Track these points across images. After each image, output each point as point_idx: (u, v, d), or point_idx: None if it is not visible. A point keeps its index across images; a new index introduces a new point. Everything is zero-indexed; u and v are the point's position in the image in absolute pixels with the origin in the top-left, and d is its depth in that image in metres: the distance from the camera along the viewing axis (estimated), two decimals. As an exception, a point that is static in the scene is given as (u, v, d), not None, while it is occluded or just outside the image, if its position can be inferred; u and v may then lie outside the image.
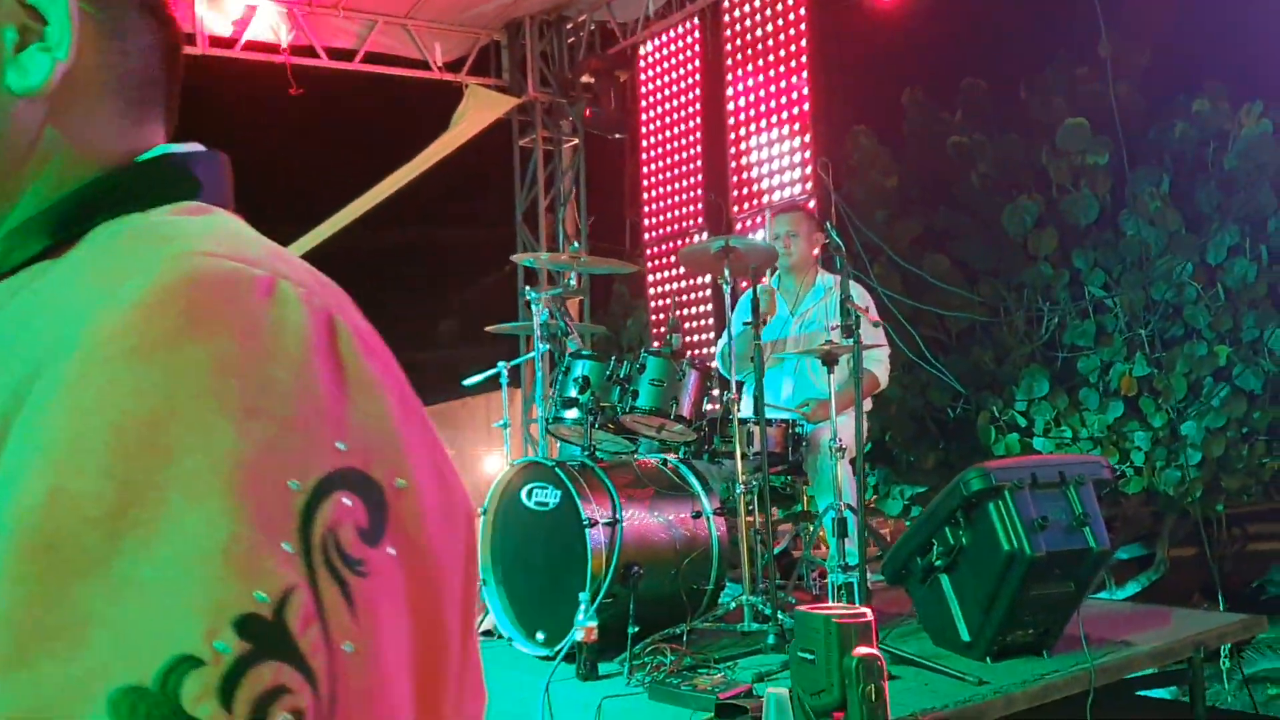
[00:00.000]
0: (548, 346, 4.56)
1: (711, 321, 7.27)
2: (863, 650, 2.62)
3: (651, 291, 7.80)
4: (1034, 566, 3.46)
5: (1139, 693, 5.14)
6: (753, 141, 6.91)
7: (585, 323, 8.85)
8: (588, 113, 7.91)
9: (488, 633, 4.28)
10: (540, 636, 4.00)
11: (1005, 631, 3.62)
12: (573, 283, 4.39)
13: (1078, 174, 6.76)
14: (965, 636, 3.70)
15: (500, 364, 4.98)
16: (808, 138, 6.57)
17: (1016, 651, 3.69)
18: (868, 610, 2.83)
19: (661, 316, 7.62)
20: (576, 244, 4.47)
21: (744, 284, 4.38)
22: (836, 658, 2.63)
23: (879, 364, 4.74)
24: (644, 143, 7.85)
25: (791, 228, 4.86)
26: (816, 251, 4.94)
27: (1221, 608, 7.44)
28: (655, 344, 5.92)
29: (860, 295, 4.57)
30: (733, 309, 4.14)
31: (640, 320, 8.82)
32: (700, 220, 7.42)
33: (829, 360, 4.11)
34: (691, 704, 3.25)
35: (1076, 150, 6.72)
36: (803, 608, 2.89)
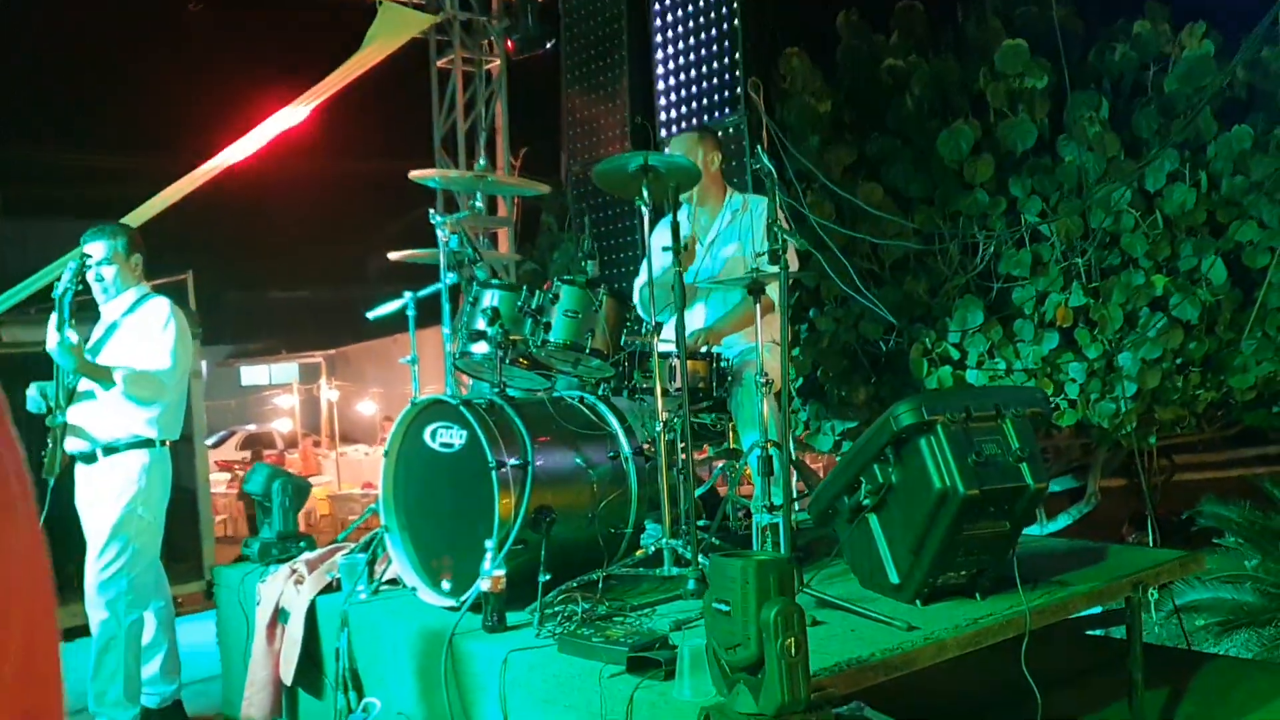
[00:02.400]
0: (456, 277, 4.26)
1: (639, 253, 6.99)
2: (782, 601, 2.39)
3: (578, 222, 7.48)
4: (967, 505, 3.27)
5: (1088, 632, 5.05)
6: (680, 62, 6.58)
7: (510, 254, 8.56)
8: (509, 44, 7.53)
9: (393, 581, 4.02)
10: (446, 586, 3.75)
11: (936, 573, 3.43)
12: (479, 205, 4.08)
13: (1015, 98, 6.54)
14: (894, 579, 3.50)
15: (407, 294, 4.67)
16: (737, 57, 6.26)
17: (948, 594, 3.51)
18: (788, 556, 2.61)
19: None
20: (484, 161, 4.14)
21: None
22: (754, 609, 2.40)
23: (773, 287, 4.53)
24: (565, 63, 7.47)
25: (681, 151, 4.54)
26: (716, 170, 4.66)
27: (1152, 540, 7.41)
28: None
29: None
30: (651, 234, 3.86)
31: (567, 253, 8.51)
32: (626, 145, 7.10)
33: (754, 290, 3.86)
34: (602, 656, 3.02)
35: (1014, 74, 6.49)
36: (719, 554, 2.65)
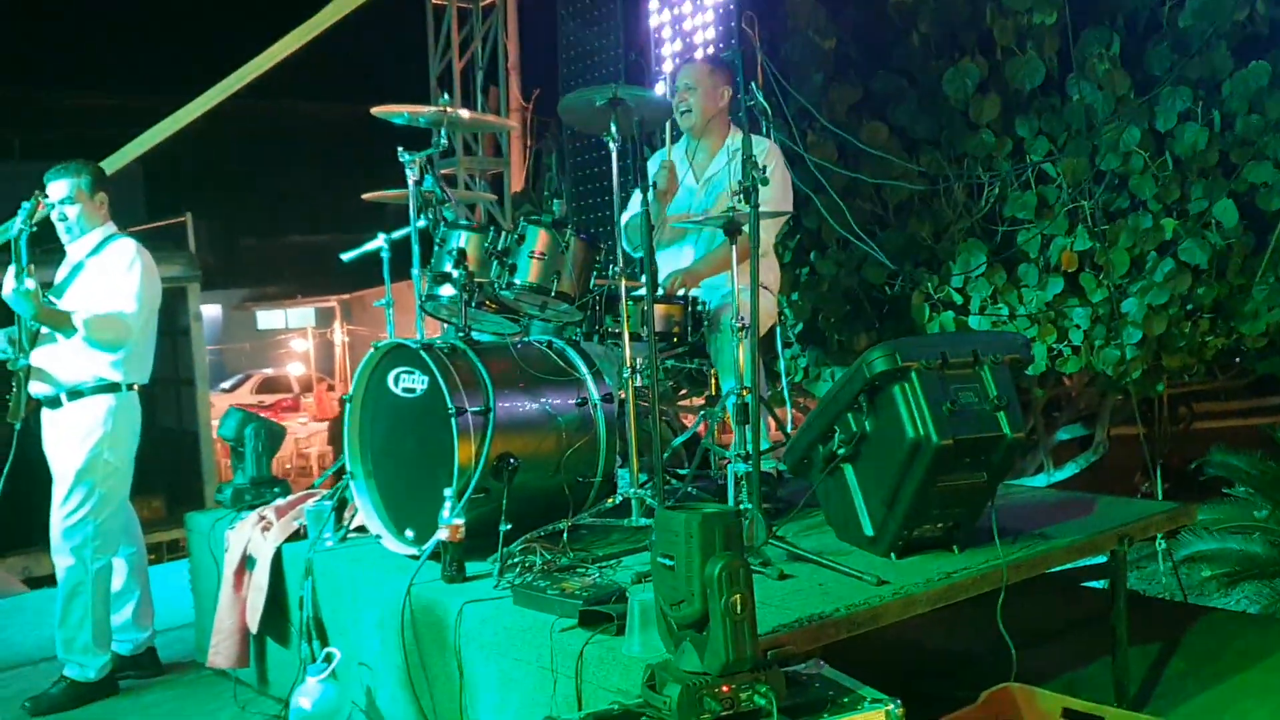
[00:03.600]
0: (427, 218, 4.11)
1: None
2: (726, 556, 2.27)
3: (571, 162, 7.32)
4: (941, 455, 3.13)
5: (1085, 584, 4.92)
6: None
7: (498, 195, 8.40)
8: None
9: (361, 529, 3.93)
10: (410, 534, 3.66)
11: (911, 525, 3.31)
12: (443, 140, 3.92)
13: (1023, 35, 6.30)
14: (869, 531, 3.38)
15: (382, 235, 4.53)
16: (734, -11, 6.03)
17: (924, 547, 3.39)
18: (733, 509, 2.48)
19: (582, 190, 7.15)
20: (447, 95, 3.97)
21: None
22: (698, 564, 2.28)
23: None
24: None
25: (691, 80, 4.39)
26: (723, 105, 4.48)
27: (1160, 491, 7.27)
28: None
29: (765, 153, 4.14)
30: (619, 171, 3.69)
31: (567, 196, 8.35)
32: (621, 81, 6.89)
33: (731, 230, 3.70)
34: (556, 609, 2.93)
35: (1022, 9, 6.25)
36: (664, 507, 2.53)
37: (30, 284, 3.98)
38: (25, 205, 4.11)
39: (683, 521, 2.31)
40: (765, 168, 3.41)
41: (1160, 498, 7.06)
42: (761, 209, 3.40)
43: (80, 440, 4.21)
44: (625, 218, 4.63)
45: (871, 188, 6.60)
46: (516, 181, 9.00)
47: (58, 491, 4.24)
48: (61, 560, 4.24)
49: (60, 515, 4.22)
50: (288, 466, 16.98)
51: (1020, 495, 4.32)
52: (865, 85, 6.74)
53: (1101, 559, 3.83)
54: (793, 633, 2.77)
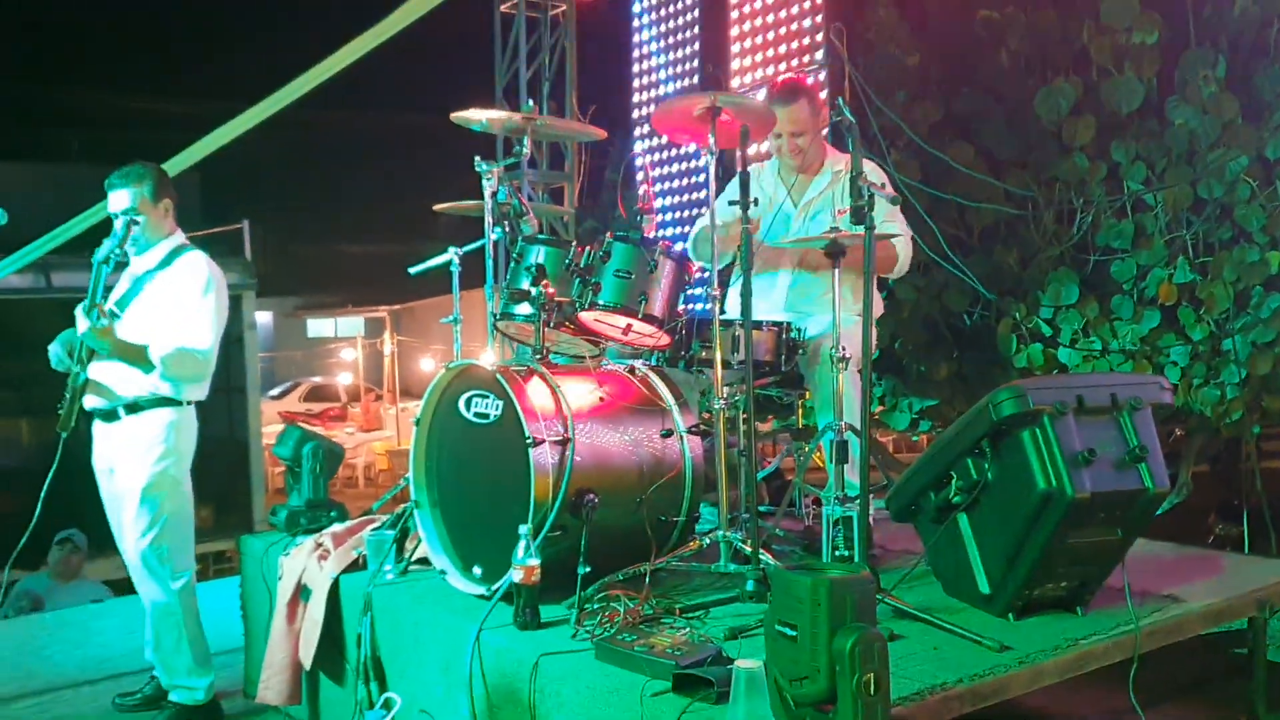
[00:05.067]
0: (502, 231, 3.85)
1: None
2: (859, 629, 1.98)
3: (643, 176, 7.05)
4: (1075, 509, 2.82)
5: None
6: (757, 5, 6.09)
7: (568, 207, 8.15)
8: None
9: (423, 560, 3.66)
10: (477, 571, 3.39)
11: (1033, 585, 2.99)
12: (525, 148, 3.66)
13: (1122, 54, 5.99)
14: (984, 589, 3.07)
15: (452, 249, 4.28)
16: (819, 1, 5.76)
17: (1045, 607, 3.07)
18: (867, 570, 2.19)
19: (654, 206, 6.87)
20: (531, 102, 3.72)
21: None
22: (824, 637, 2.00)
23: (902, 239, 4.05)
24: (635, 7, 7.00)
25: (796, 125, 4.04)
26: (825, 132, 4.19)
27: (1246, 537, 6.88)
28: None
29: (874, 171, 3.84)
30: (718, 188, 3.41)
31: (632, 210, 8.09)
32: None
33: (834, 252, 3.41)
34: (646, 670, 2.64)
35: (1121, 28, 5.93)
36: (782, 565, 2.24)
37: (105, 319, 3.75)
38: (117, 233, 3.88)
39: (809, 587, 2.02)
40: (884, 184, 3.12)
41: (1246, 543, 6.72)
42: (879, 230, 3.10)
43: (140, 456, 3.97)
44: (695, 229, 4.36)
45: (955, 211, 6.30)
46: (578, 196, 8.77)
47: (126, 513, 4.01)
48: (144, 585, 4.03)
49: (133, 538, 3.98)
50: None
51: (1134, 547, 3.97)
52: (949, 104, 6.45)
53: (1239, 624, 3.49)
54: (913, 706, 2.46)
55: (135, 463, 3.99)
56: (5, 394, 10.67)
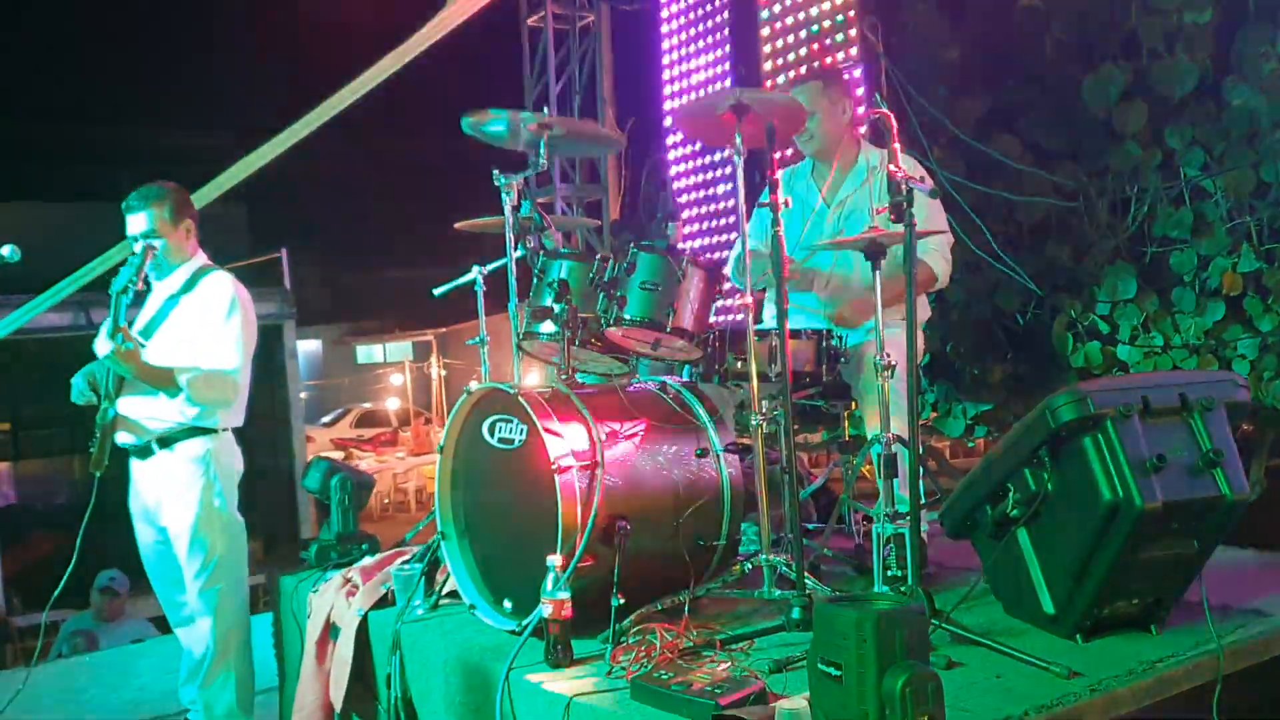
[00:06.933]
0: (524, 247, 3.68)
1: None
2: (911, 667, 1.78)
3: (677, 185, 6.87)
4: (1145, 520, 2.59)
5: None
6: (788, 3, 5.90)
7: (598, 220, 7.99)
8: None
9: (454, 594, 3.50)
10: (508, 605, 3.21)
11: (1102, 603, 2.77)
12: (541, 158, 3.49)
13: (1173, 36, 5.73)
14: (1049, 608, 2.84)
15: (476, 268, 4.13)
16: (854, -6, 5.56)
17: (1116, 627, 2.84)
18: (920, 604, 1.99)
19: (688, 215, 6.69)
20: (546, 109, 3.55)
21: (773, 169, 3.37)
22: (872, 677, 1.79)
23: (934, 254, 3.82)
24: (664, 13, 6.83)
25: (806, 103, 3.73)
26: (847, 122, 3.98)
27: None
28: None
29: (913, 167, 3.62)
30: (746, 193, 3.22)
31: (659, 218, 7.92)
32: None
33: (873, 253, 3.21)
34: (684, 710, 2.44)
35: (1171, 8, 5.68)
36: (825, 595, 2.04)
37: (130, 342, 3.64)
38: (134, 259, 3.78)
39: (853, 623, 1.83)
40: (922, 177, 2.91)
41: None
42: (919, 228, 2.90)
43: (181, 494, 3.85)
44: (733, 254, 4.16)
45: (1002, 207, 6.07)
46: (615, 208, 8.62)
47: (179, 554, 3.90)
48: (198, 625, 3.92)
49: (189, 577, 3.88)
50: (386, 501, 16.81)
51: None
52: (993, 97, 6.23)
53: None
54: (976, 745, 2.25)
55: (177, 501, 3.87)
56: (53, 431, 10.69)
